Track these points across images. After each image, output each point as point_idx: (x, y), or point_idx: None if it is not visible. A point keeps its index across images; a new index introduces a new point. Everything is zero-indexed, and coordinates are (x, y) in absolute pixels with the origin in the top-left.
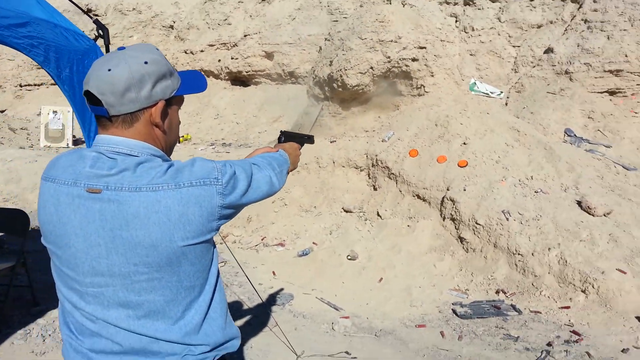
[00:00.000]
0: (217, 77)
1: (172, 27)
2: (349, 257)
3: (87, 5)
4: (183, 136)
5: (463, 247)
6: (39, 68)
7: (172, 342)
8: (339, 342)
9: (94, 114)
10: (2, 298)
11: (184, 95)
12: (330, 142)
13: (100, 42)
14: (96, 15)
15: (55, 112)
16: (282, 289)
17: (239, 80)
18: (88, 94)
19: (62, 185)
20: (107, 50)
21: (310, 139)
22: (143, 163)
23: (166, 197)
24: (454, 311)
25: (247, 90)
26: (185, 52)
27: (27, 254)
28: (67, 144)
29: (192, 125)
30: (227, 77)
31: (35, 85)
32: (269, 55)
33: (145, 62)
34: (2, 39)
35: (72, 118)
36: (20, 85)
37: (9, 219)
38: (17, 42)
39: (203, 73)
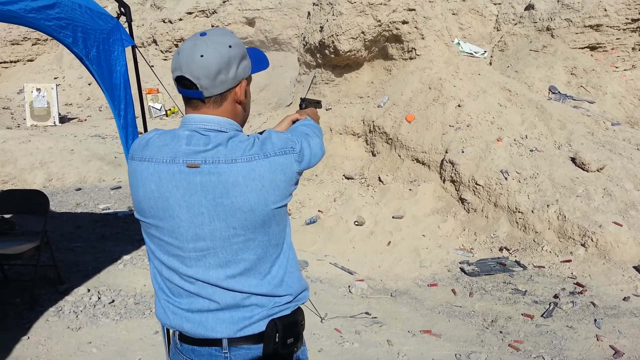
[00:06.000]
0: None
1: None
2: (356, 223)
3: None
4: (170, 109)
5: (464, 208)
6: (13, 44)
7: (262, 295)
8: (357, 304)
9: (188, 97)
10: (29, 277)
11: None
12: (326, 110)
13: (122, 19)
14: None
15: (39, 89)
16: None
17: None
18: (181, 79)
19: (160, 164)
20: (130, 28)
21: (319, 104)
22: (232, 138)
23: (259, 166)
24: (462, 269)
25: None
26: (164, 22)
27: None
28: (54, 122)
29: (178, 97)
30: None
31: (11, 62)
32: (250, 22)
33: (230, 46)
34: (34, 21)
35: (57, 95)
36: None
37: (28, 200)
38: (47, 24)
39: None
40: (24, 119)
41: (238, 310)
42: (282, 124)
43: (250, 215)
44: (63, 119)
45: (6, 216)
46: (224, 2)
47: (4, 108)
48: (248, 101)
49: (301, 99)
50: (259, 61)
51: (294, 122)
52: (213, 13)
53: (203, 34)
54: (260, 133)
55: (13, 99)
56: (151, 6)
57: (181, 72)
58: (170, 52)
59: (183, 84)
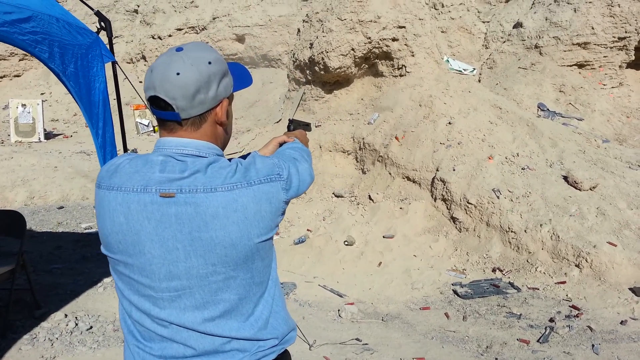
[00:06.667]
0: None
1: (136, 11)
2: (346, 243)
3: None
4: (157, 126)
5: (456, 227)
6: (0, 59)
7: (245, 340)
8: (347, 329)
9: (163, 118)
10: (3, 302)
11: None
12: (316, 127)
13: (102, 35)
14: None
15: (25, 105)
16: (283, 279)
17: None
18: (155, 99)
19: (130, 193)
20: (111, 43)
21: (308, 126)
22: (212, 164)
23: (241, 195)
24: (455, 292)
25: None
26: (153, 38)
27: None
28: (39, 138)
29: None
30: None
31: None
32: (240, 39)
33: (209, 62)
34: (7, 35)
35: (42, 111)
36: None
37: (5, 221)
38: (22, 39)
39: None
40: (9, 135)
41: (217, 357)
42: (268, 146)
43: (232, 251)
44: (49, 135)
45: None
46: (213, 18)
47: None
48: (230, 122)
49: (289, 120)
50: (241, 78)
51: (280, 144)
52: (203, 29)
53: (179, 49)
54: (244, 157)
55: None
56: (141, 22)
57: (155, 91)
58: None
59: (157, 104)
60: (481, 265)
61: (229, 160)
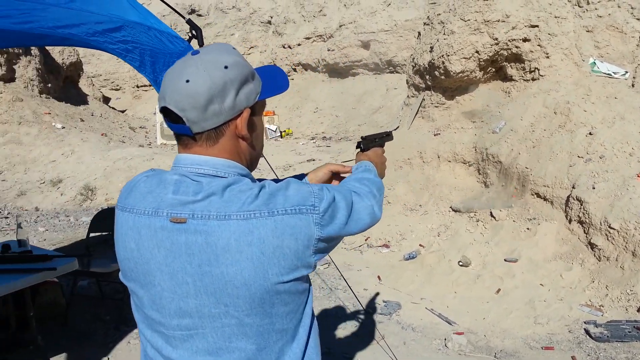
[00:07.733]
0: (314, 70)
1: (269, 22)
2: (460, 263)
3: (191, 5)
4: (285, 131)
5: (595, 255)
6: None
7: None
8: None
9: (176, 132)
10: (121, 296)
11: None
12: (434, 135)
13: (194, 43)
14: (199, 15)
15: None
16: (388, 297)
17: (336, 72)
18: (166, 110)
19: (141, 216)
20: None
21: (389, 136)
22: (231, 185)
23: (259, 226)
24: (587, 332)
25: (345, 82)
26: (284, 47)
27: None
28: None
29: (293, 119)
30: (324, 70)
31: (150, 85)
32: (365, 45)
33: (226, 67)
34: (97, 45)
35: None
36: (137, 87)
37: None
38: (112, 47)
39: (301, 66)
40: (156, 138)
41: None
42: (318, 172)
43: (245, 292)
44: None
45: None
46: (340, 26)
47: (140, 127)
48: (257, 135)
49: (361, 137)
50: (273, 83)
51: (334, 173)
52: (330, 37)
53: (195, 52)
54: (277, 180)
55: (150, 119)
56: (273, 32)
57: (165, 102)
58: (288, 75)
59: (169, 116)
60: (623, 302)
61: (257, 182)
